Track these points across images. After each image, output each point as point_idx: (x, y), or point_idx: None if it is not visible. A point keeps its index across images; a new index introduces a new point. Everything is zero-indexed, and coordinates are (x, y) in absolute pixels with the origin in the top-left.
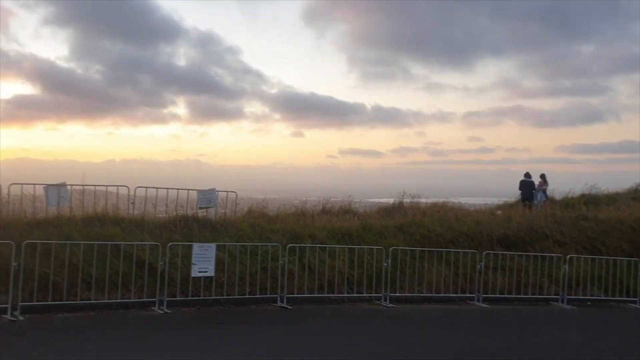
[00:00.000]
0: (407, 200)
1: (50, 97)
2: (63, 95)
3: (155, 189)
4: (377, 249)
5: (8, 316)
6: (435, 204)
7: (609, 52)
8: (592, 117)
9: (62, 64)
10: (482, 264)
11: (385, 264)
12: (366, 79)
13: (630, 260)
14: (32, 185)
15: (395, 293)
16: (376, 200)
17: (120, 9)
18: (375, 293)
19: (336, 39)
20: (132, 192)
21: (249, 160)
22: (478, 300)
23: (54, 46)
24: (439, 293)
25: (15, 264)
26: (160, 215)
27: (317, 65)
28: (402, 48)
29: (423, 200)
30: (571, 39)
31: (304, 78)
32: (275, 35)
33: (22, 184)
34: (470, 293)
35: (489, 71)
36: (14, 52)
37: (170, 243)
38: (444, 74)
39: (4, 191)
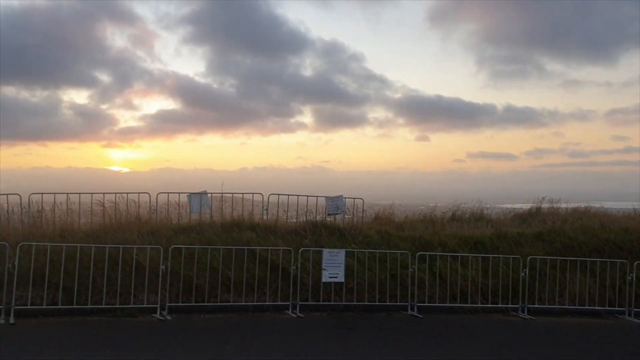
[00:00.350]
0: (544, 205)
1: (190, 111)
2: (201, 108)
3: (286, 196)
4: (513, 258)
5: (157, 315)
6: (576, 210)
7: None
8: None
9: (200, 79)
10: (633, 274)
11: (523, 274)
12: (496, 78)
13: None
14: (177, 194)
15: (534, 304)
16: (510, 206)
17: (251, 25)
18: (512, 304)
19: (463, 38)
20: (265, 199)
21: (373, 165)
22: (629, 315)
23: (192, 63)
24: (583, 305)
25: (163, 267)
26: (291, 221)
27: (443, 67)
28: (536, 43)
29: (563, 205)
30: None
31: (429, 81)
32: (399, 39)
33: (168, 192)
34: (619, 306)
35: (635, 64)
36: (158, 70)
37: (302, 248)
38: (583, 69)
39: (153, 199)
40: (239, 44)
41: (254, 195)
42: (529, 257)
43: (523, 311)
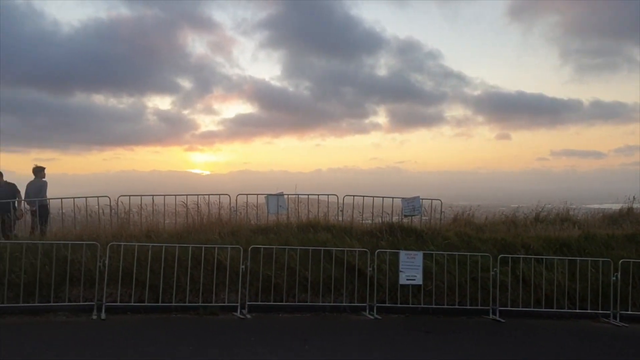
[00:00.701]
0: (637, 205)
1: (266, 114)
2: (277, 111)
3: (361, 197)
4: (603, 261)
5: (238, 314)
6: None
7: None
8: None
9: (276, 83)
10: None
11: (614, 278)
12: (582, 72)
13: None
14: (255, 195)
15: (627, 311)
16: (598, 206)
17: (327, 27)
18: (602, 310)
19: (546, 32)
20: (340, 200)
21: (450, 166)
22: None
23: (268, 67)
24: None
25: (243, 266)
26: (366, 222)
27: (524, 62)
28: (626, 34)
29: None
30: None
31: (510, 76)
32: (477, 35)
33: (246, 194)
34: None
35: None
36: (236, 75)
37: (378, 250)
38: None
39: (232, 200)
40: (314, 47)
41: (329, 196)
42: (621, 260)
43: (614, 318)
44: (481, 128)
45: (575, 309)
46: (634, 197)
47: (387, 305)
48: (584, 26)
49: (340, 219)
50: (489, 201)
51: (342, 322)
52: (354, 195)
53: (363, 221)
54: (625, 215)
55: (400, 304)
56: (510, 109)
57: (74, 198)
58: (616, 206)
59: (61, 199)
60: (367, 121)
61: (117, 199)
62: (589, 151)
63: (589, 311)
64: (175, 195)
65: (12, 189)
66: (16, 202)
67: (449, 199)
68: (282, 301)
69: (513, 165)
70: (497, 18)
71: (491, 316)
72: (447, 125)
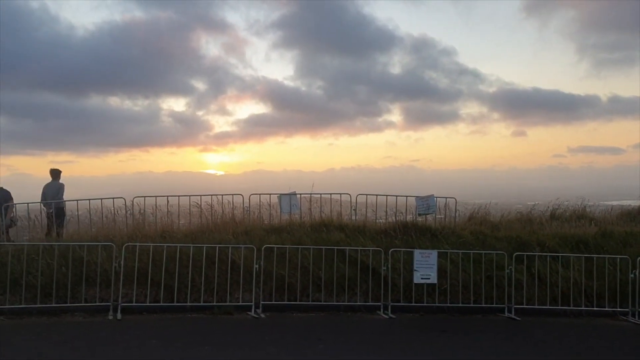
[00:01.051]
0: None
1: (279, 114)
2: (290, 111)
3: (375, 196)
4: (620, 258)
5: (252, 313)
6: None
7: None
8: None
9: (289, 83)
10: None
11: (632, 276)
12: (600, 67)
13: None
14: (268, 195)
15: None
16: (616, 203)
17: (339, 26)
18: (621, 308)
19: (562, 27)
20: (353, 200)
21: (466, 163)
22: None
23: (281, 67)
24: None
25: (257, 266)
26: (380, 221)
27: (540, 57)
28: None
29: None
30: None
31: (526, 73)
32: (492, 31)
33: (259, 194)
34: None
35: None
36: (249, 76)
37: (392, 249)
38: None
39: (245, 200)
40: (326, 46)
41: (342, 195)
42: (639, 257)
43: (633, 315)
44: (497, 125)
45: (593, 307)
46: None
47: (401, 304)
48: (601, 21)
49: (353, 218)
50: (504, 199)
51: (356, 321)
52: (367, 194)
53: (377, 220)
54: None
55: (415, 303)
56: (526, 105)
57: (89, 200)
58: (635, 203)
59: (77, 200)
60: (380, 119)
61: (132, 200)
62: (607, 147)
63: (606, 309)
64: (189, 195)
65: (5, 195)
66: (7, 208)
67: (465, 197)
68: (295, 300)
69: (529, 162)
70: (512, 14)
71: (506, 314)
72: (463, 123)
